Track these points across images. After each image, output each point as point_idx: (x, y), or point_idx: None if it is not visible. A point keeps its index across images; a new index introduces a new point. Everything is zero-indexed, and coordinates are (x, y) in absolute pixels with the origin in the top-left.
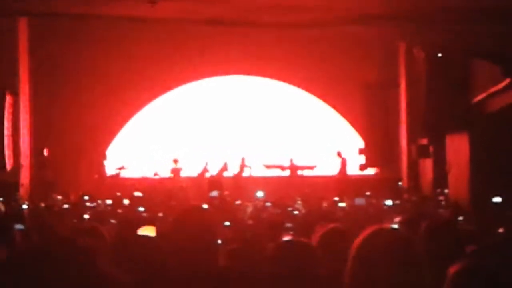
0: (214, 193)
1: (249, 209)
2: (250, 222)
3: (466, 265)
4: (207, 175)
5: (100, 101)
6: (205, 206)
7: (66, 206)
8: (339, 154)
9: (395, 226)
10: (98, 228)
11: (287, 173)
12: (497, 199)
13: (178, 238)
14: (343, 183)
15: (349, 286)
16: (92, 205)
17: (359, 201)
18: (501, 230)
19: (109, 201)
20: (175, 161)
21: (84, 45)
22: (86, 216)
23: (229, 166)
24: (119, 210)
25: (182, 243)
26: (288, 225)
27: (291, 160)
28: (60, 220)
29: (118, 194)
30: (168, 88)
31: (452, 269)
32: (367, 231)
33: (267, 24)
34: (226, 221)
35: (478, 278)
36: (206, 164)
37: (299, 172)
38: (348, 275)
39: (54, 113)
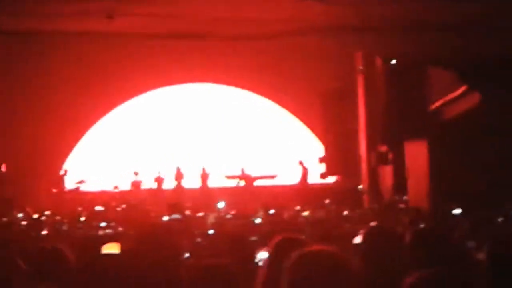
0: (175, 216)
1: (211, 220)
2: (211, 231)
3: (421, 276)
4: (164, 185)
5: (57, 115)
6: (165, 218)
7: (24, 222)
8: (300, 163)
9: (358, 239)
10: (60, 249)
11: (247, 183)
12: (457, 211)
13: (141, 255)
14: (304, 192)
15: None
16: (51, 221)
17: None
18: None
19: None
20: (135, 173)
21: (41, 59)
22: (44, 232)
23: (183, 172)
24: (80, 225)
25: (146, 261)
26: (253, 238)
27: (242, 170)
28: (20, 238)
29: (80, 208)
30: (125, 98)
31: (407, 280)
32: (297, 253)
33: (225, 36)
34: (186, 236)
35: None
36: (160, 173)
37: (260, 182)
38: None
39: (11, 128)
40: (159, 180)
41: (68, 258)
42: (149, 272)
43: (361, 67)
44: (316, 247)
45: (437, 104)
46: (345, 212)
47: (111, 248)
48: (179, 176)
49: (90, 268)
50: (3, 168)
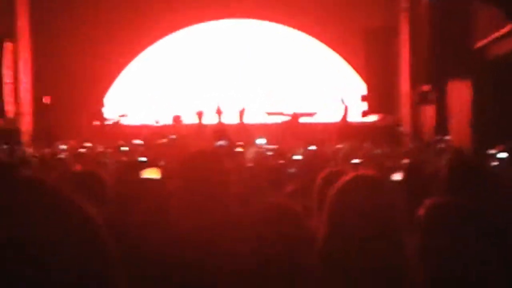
0: (221, 143)
1: (250, 155)
2: (251, 164)
3: (437, 202)
4: (204, 119)
5: (100, 47)
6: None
7: (66, 153)
8: (342, 101)
9: (397, 176)
10: (97, 171)
11: (288, 119)
12: (503, 155)
13: (189, 177)
14: (345, 129)
15: (327, 231)
16: (92, 152)
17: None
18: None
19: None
20: (176, 108)
21: None
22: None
23: (223, 108)
24: (124, 158)
25: (190, 186)
26: (291, 170)
27: (293, 107)
28: (64, 167)
29: (120, 142)
30: (167, 32)
31: (423, 207)
32: (343, 178)
33: None
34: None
35: (449, 215)
36: (201, 108)
37: (301, 119)
38: (324, 222)
39: (54, 60)
40: (199, 115)
41: (104, 181)
42: (193, 199)
43: (405, 4)
44: (360, 171)
45: (482, 42)
46: (386, 150)
47: (151, 173)
48: (219, 111)
49: (129, 191)
50: (46, 100)
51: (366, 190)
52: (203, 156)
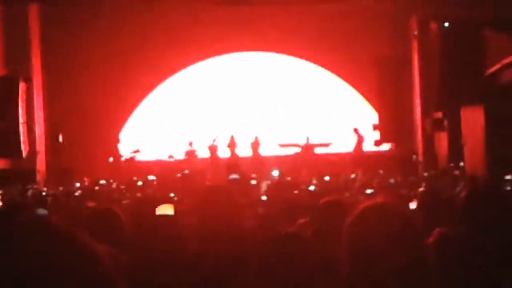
0: (234, 176)
1: (264, 188)
2: (264, 198)
3: (444, 232)
4: (218, 152)
5: (113, 84)
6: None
7: (80, 191)
8: (355, 131)
9: (412, 205)
10: (112, 208)
11: (302, 151)
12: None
13: (202, 214)
14: (358, 159)
15: (348, 266)
16: (107, 189)
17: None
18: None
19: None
20: (190, 143)
21: (95, 28)
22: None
23: (236, 140)
24: (138, 194)
25: (209, 221)
26: (306, 201)
27: (307, 139)
28: (78, 205)
29: (134, 178)
30: (180, 68)
31: (432, 236)
32: (360, 207)
33: (277, 1)
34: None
35: (455, 245)
36: (214, 140)
37: (315, 150)
38: (344, 255)
39: (68, 98)
40: (213, 149)
41: (120, 218)
42: (207, 235)
43: (415, 32)
44: (378, 199)
45: (494, 68)
46: (399, 179)
47: (166, 209)
48: (232, 144)
49: (144, 228)
50: (60, 138)
51: (383, 219)
52: (215, 192)
